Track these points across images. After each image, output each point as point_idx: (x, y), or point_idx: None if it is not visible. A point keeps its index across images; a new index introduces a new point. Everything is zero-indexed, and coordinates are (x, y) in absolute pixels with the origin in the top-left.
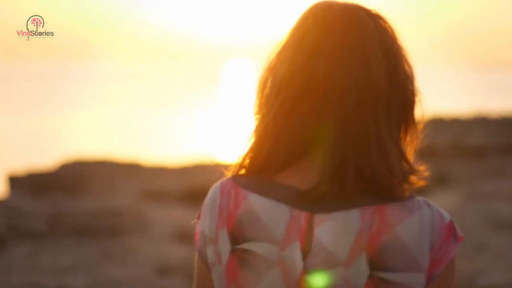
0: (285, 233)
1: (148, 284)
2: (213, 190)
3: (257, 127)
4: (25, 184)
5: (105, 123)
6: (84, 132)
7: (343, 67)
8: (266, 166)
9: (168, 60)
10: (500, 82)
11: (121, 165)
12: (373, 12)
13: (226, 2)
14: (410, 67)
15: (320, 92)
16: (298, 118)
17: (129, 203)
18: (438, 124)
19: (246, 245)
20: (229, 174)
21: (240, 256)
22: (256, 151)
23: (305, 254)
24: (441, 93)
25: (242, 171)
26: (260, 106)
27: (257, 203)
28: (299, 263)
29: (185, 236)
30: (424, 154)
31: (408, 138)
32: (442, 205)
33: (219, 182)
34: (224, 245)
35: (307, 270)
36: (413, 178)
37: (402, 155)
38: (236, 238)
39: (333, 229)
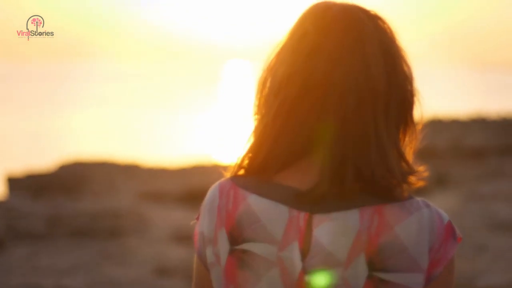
0: (284, 234)
1: (147, 285)
2: (212, 190)
3: (256, 128)
4: (24, 185)
5: (105, 124)
6: (83, 133)
7: (343, 67)
8: (265, 167)
9: (168, 60)
10: (500, 82)
11: (120, 166)
12: (372, 12)
13: (226, 2)
14: (409, 67)
15: (320, 92)
16: (298, 118)
17: (128, 204)
18: (437, 124)
19: (245, 246)
20: (228, 174)
21: (239, 256)
22: (255, 151)
23: (304, 254)
24: (441, 93)
25: (241, 172)
26: (259, 107)
27: (256, 204)
28: (298, 263)
29: (184, 237)
30: (423, 154)
31: (407, 139)
32: (441, 206)
33: (218, 182)
34: (223, 246)
35: (306, 270)
36: (412, 179)
37: (401, 156)
38: (235, 239)
39: (332, 229)
